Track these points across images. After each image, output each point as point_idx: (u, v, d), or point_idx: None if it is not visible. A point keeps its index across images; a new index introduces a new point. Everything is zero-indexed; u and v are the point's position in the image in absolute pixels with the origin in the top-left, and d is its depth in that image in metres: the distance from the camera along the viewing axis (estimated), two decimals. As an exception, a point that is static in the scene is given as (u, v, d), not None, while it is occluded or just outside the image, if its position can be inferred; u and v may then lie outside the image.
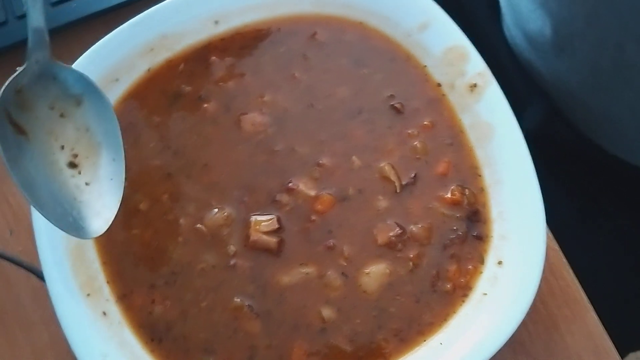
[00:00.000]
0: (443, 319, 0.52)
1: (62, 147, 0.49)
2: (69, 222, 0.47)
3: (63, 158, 0.49)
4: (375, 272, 0.53)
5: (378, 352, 0.51)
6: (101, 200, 0.49)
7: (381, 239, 0.54)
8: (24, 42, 0.48)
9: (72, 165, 0.49)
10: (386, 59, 0.59)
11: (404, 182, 0.55)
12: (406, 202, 0.55)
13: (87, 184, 0.49)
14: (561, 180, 0.82)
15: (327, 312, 0.52)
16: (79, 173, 0.49)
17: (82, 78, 0.49)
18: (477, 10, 0.83)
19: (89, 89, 0.50)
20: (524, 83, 0.81)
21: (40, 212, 0.46)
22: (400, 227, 0.54)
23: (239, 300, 0.52)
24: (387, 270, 0.53)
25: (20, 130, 0.47)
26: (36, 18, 0.47)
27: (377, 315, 0.52)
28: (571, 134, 0.79)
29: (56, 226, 0.46)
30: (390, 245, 0.54)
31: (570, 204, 0.82)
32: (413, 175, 0.55)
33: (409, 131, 0.57)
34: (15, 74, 0.46)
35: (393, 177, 0.55)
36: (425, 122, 0.57)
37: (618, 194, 0.80)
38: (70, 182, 0.49)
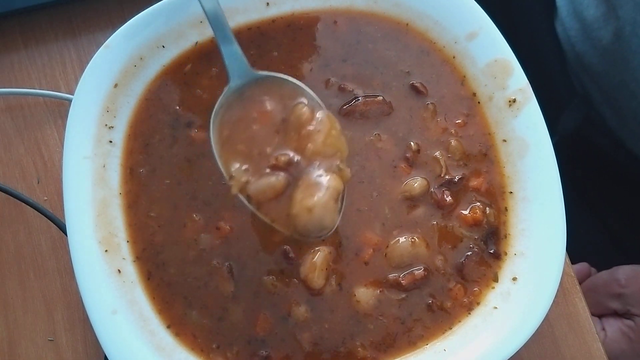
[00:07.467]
0: (441, 332, 0.53)
1: None
2: None
3: None
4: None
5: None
6: None
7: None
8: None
9: None
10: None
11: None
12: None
13: None
14: (587, 200, 0.82)
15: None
16: None
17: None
18: (530, 11, 0.84)
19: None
20: (566, 85, 0.81)
21: None
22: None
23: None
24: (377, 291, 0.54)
25: None
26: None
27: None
28: (603, 138, 0.80)
29: None
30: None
31: (595, 235, 0.82)
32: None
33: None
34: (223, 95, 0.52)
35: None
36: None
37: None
38: None
